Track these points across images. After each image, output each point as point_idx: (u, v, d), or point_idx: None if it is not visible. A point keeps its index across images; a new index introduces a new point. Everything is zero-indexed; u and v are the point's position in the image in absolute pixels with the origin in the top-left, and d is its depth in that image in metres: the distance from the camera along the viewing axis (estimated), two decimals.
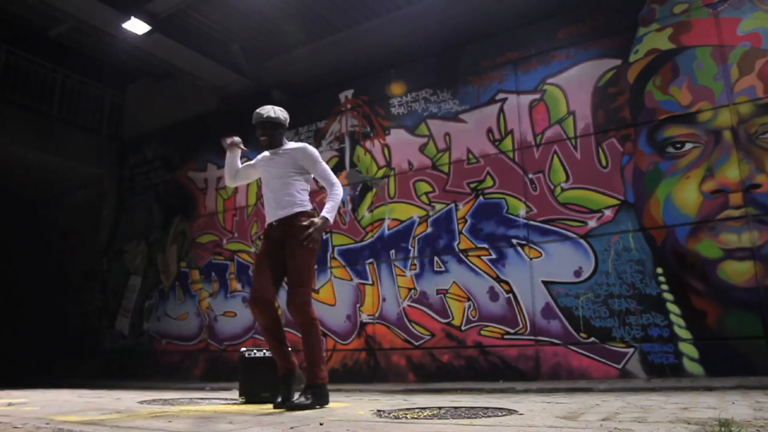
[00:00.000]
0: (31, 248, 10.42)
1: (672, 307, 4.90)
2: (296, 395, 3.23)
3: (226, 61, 7.66)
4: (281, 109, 3.54)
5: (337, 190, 3.43)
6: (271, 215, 3.41)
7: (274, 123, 3.46)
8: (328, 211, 3.31)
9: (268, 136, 3.46)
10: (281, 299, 3.57)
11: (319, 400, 3.17)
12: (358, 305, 6.58)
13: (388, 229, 6.57)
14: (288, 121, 3.57)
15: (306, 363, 3.25)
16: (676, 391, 3.98)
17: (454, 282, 6.01)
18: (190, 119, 8.85)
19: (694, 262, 4.86)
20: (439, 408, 3.07)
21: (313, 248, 3.30)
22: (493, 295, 5.77)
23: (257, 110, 3.48)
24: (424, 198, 6.42)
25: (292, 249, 3.27)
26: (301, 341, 3.29)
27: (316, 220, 3.30)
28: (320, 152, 7.43)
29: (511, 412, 2.76)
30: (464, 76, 6.46)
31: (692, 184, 4.99)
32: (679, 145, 5.13)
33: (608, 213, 5.34)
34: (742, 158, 4.80)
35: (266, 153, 3.56)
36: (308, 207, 3.42)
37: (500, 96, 6.18)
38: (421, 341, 6.07)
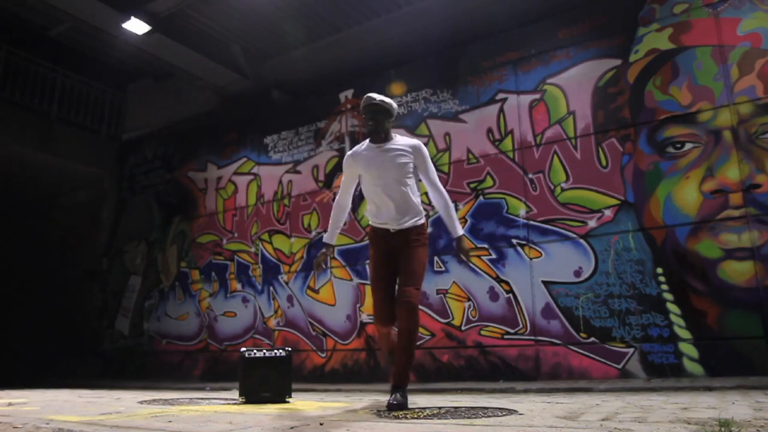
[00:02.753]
0: (31, 248, 10.42)
1: (672, 307, 4.90)
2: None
3: (226, 61, 7.66)
4: (391, 100, 3.37)
5: (449, 198, 3.35)
6: (389, 222, 3.23)
7: (383, 110, 3.25)
8: (459, 228, 3.31)
9: (375, 122, 3.26)
10: None
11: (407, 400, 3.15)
12: (358, 305, 6.58)
13: None
14: (396, 113, 3.41)
15: (400, 366, 3.08)
16: (676, 391, 3.98)
17: (454, 282, 6.01)
18: (190, 119, 8.86)
19: (694, 262, 4.86)
20: (439, 408, 3.07)
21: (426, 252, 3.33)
22: (493, 295, 5.77)
23: (368, 94, 3.30)
24: (424, 198, 6.41)
25: (412, 251, 3.18)
26: (396, 342, 3.15)
27: (463, 245, 3.28)
28: (320, 152, 7.53)
29: (511, 412, 2.76)
30: (464, 76, 6.46)
31: (692, 184, 4.99)
32: (679, 145, 5.13)
33: (608, 213, 5.34)
34: (742, 158, 4.80)
35: (370, 145, 3.32)
36: (423, 215, 3.34)
37: (500, 96, 6.18)
38: (421, 341, 6.07)
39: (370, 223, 3.39)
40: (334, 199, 3.61)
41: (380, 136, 3.29)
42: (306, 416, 2.80)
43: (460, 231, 3.28)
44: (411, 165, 3.24)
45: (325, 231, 3.62)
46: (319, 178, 7.31)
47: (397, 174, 3.19)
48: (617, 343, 5.07)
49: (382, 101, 3.26)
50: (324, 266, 3.45)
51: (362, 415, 2.86)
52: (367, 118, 3.28)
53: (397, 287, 3.18)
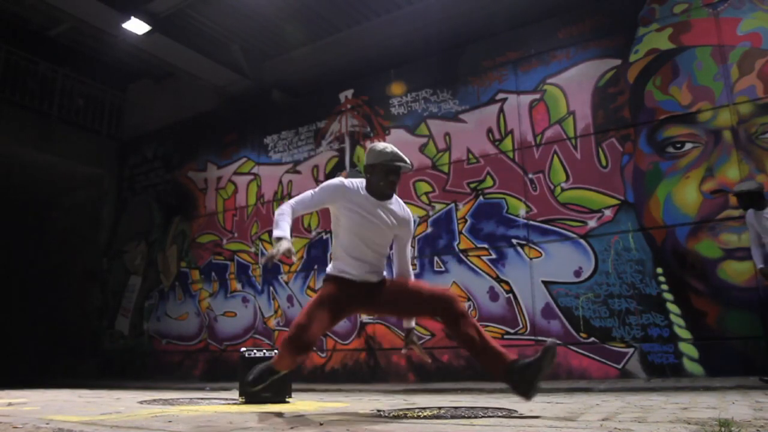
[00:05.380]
0: (31, 248, 10.42)
1: (672, 307, 4.90)
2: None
3: (226, 61, 7.66)
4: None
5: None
6: (359, 274, 2.82)
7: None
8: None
9: (395, 184, 2.88)
10: None
11: None
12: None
13: None
14: None
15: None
16: (676, 391, 3.98)
17: (454, 282, 6.01)
18: (190, 119, 8.86)
19: (694, 262, 4.86)
20: (439, 408, 3.07)
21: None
22: (493, 295, 5.77)
23: (398, 153, 2.79)
24: (424, 198, 6.43)
25: (402, 286, 2.88)
26: None
27: (414, 338, 3.07)
28: (320, 152, 7.52)
29: (511, 412, 2.76)
30: (464, 76, 6.46)
31: (692, 184, 4.99)
32: (679, 145, 5.13)
33: (608, 213, 5.34)
34: (742, 158, 4.81)
35: (368, 195, 2.83)
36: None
37: (500, 96, 6.18)
38: (421, 341, 6.07)
39: (334, 273, 2.87)
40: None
41: (388, 196, 2.88)
42: (306, 416, 2.80)
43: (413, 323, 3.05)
44: (395, 233, 2.90)
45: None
46: (319, 178, 7.30)
47: (386, 236, 2.88)
48: (617, 343, 5.07)
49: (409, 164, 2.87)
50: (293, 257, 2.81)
51: (362, 415, 2.86)
52: (395, 179, 2.83)
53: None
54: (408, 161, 2.87)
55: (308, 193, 2.89)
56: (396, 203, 2.92)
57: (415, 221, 2.98)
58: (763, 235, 4.29)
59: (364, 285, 2.83)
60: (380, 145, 2.88)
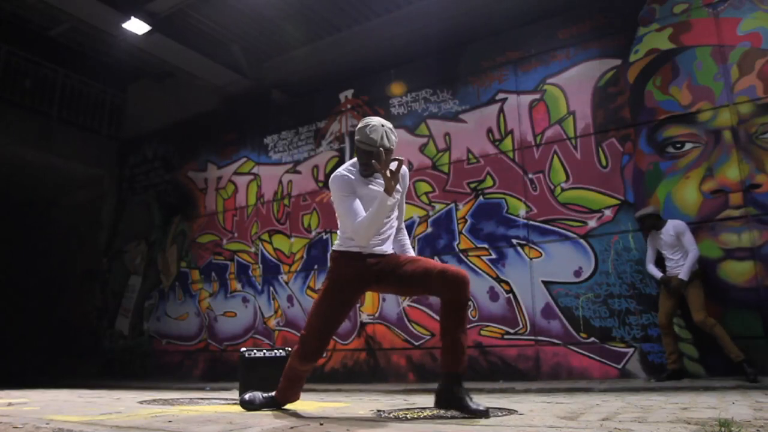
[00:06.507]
0: (31, 248, 10.42)
1: None
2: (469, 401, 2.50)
3: (226, 61, 7.67)
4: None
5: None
6: (373, 246, 2.72)
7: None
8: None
9: (373, 167, 2.67)
10: None
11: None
12: (358, 305, 6.58)
13: None
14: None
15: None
16: (676, 391, 3.98)
17: None
18: (190, 119, 8.86)
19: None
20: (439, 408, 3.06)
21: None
22: (493, 295, 5.77)
23: (372, 137, 2.57)
24: (424, 198, 6.42)
25: (408, 258, 2.76)
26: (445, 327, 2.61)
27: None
28: (320, 152, 7.50)
29: (511, 412, 2.76)
30: (464, 76, 6.46)
31: (692, 184, 4.99)
32: (679, 145, 5.13)
33: (608, 213, 5.34)
34: (742, 158, 4.80)
35: (360, 177, 2.71)
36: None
37: (500, 96, 6.18)
38: (421, 341, 6.07)
39: (342, 249, 2.77)
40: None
41: (368, 176, 2.75)
42: (306, 416, 2.80)
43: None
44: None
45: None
46: (319, 178, 7.31)
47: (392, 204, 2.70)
48: (617, 343, 5.07)
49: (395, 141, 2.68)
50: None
51: (362, 415, 2.86)
52: (365, 160, 2.65)
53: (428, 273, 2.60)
54: (385, 142, 2.57)
55: (342, 204, 2.68)
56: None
57: (408, 174, 2.86)
58: (663, 251, 4.77)
59: (363, 258, 2.71)
60: (366, 122, 2.64)
